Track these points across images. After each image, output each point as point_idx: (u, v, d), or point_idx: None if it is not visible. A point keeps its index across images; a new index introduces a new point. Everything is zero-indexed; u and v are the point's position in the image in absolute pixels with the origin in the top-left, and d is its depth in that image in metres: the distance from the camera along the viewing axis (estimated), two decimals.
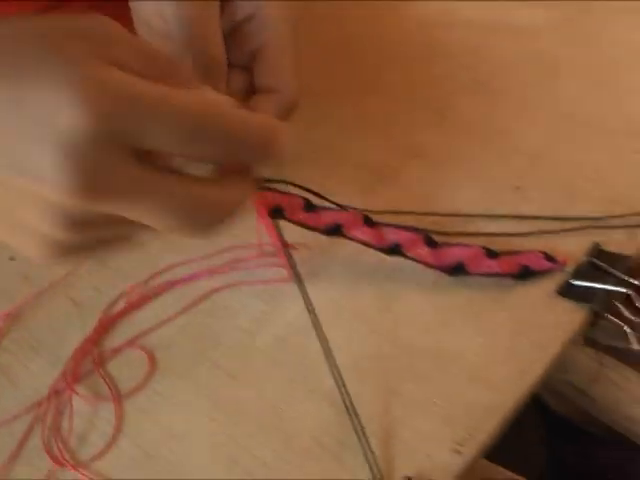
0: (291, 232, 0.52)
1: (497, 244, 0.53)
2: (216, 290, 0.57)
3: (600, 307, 0.49)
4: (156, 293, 0.58)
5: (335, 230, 0.53)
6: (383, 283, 0.54)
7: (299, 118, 0.51)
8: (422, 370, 0.48)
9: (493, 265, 0.51)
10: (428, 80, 0.73)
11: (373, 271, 0.55)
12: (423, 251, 0.52)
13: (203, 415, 0.49)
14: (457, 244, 0.52)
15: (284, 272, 0.55)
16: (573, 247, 0.53)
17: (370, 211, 0.55)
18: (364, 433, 0.45)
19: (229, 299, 0.56)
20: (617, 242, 0.52)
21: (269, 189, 0.52)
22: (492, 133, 0.65)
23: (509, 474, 0.52)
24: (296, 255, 0.54)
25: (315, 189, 0.52)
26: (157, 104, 0.34)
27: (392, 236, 0.52)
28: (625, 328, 0.49)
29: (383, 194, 0.61)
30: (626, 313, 0.49)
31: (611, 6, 0.75)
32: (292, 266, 0.51)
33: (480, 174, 0.61)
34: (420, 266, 0.52)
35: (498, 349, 0.48)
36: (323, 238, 0.53)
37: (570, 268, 0.51)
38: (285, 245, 0.51)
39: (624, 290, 0.49)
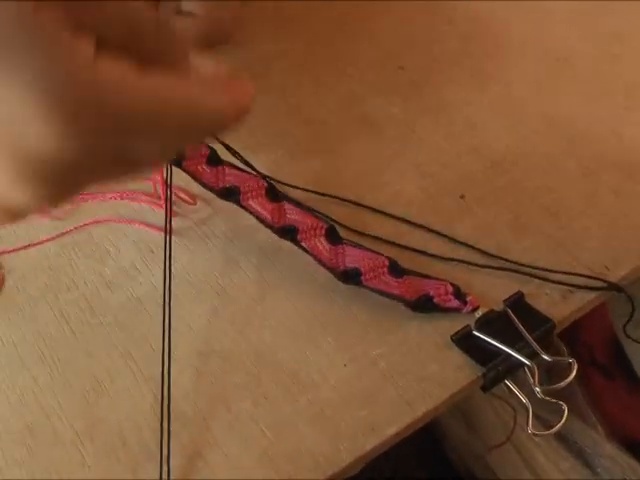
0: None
1: (410, 259, 0.44)
2: (97, 222, 0.49)
3: (494, 375, 0.40)
4: None
5: (230, 194, 0.45)
6: (269, 269, 0.46)
7: None
8: (267, 389, 0.41)
9: (392, 284, 0.42)
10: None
11: (266, 251, 0.47)
12: (321, 245, 0.44)
13: (23, 367, 0.43)
14: (362, 247, 0.43)
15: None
16: (496, 290, 0.43)
17: (281, 182, 0.46)
18: (169, 449, 0.38)
19: (105, 238, 0.49)
20: (547, 300, 0.43)
21: None
22: (460, 122, 0.55)
23: None
24: (193, 211, 0.49)
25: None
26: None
27: (292, 217, 0.44)
28: (525, 402, 0.41)
29: (314, 161, 0.52)
30: (533, 386, 0.41)
31: None
32: (168, 218, 0.44)
33: (429, 168, 0.52)
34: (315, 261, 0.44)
35: (359, 390, 0.40)
36: None
37: (481, 313, 0.42)
38: (169, 192, 0.44)
39: (527, 362, 0.40)
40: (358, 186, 0.50)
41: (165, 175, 0.44)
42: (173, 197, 0.46)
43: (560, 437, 0.64)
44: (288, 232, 0.43)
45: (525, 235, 0.46)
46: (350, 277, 0.43)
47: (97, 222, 0.49)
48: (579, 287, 0.43)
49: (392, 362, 0.41)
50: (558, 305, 0.43)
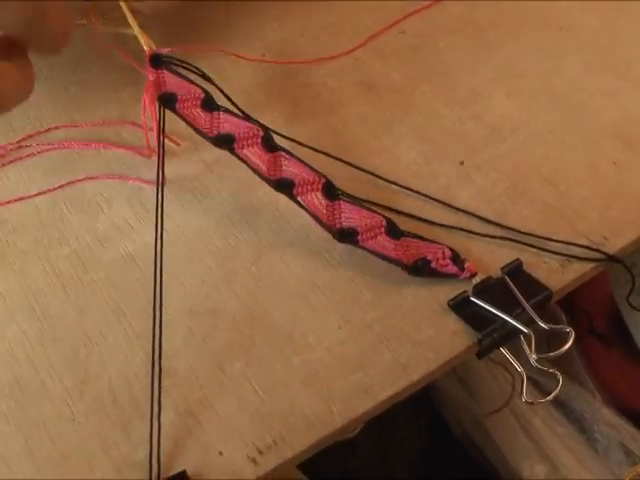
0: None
1: (407, 226, 0.43)
2: (90, 178, 0.49)
3: (490, 341, 0.39)
4: (23, 156, 0.50)
5: (224, 142, 0.43)
6: (264, 228, 0.45)
7: None
8: (261, 350, 0.40)
9: (389, 246, 0.42)
10: None
11: (261, 211, 0.46)
12: (317, 200, 0.42)
13: (12, 321, 0.43)
14: (359, 206, 0.42)
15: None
16: (494, 257, 0.43)
17: (279, 134, 0.46)
18: (160, 406, 0.38)
19: (98, 194, 0.48)
20: (546, 268, 0.43)
21: (171, 70, 0.43)
22: (461, 89, 0.54)
23: None
24: (185, 163, 0.48)
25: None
26: None
27: (289, 169, 0.43)
28: (520, 371, 0.40)
29: (311, 123, 0.51)
30: (528, 354, 0.40)
31: None
32: (159, 169, 0.43)
33: (428, 133, 0.51)
34: (311, 222, 0.43)
35: (354, 352, 0.40)
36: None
37: (479, 280, 0.41)
38: (162, 139, 0.43)
39: (524, 329, 0.39)
40: (356, 150, 0.50)
41: (158, 117, 0.43)
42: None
43: (558, 403, 0.64)
44: (284, 186, 0.42)
45: (523, 203, 0.46)
46: (346, 236, 0.42)
47: (90, 178, 0.49)
48: (577, 258, 0.42)
49: (387, 326, 0.40)
50: (556, 274, 0.42)
